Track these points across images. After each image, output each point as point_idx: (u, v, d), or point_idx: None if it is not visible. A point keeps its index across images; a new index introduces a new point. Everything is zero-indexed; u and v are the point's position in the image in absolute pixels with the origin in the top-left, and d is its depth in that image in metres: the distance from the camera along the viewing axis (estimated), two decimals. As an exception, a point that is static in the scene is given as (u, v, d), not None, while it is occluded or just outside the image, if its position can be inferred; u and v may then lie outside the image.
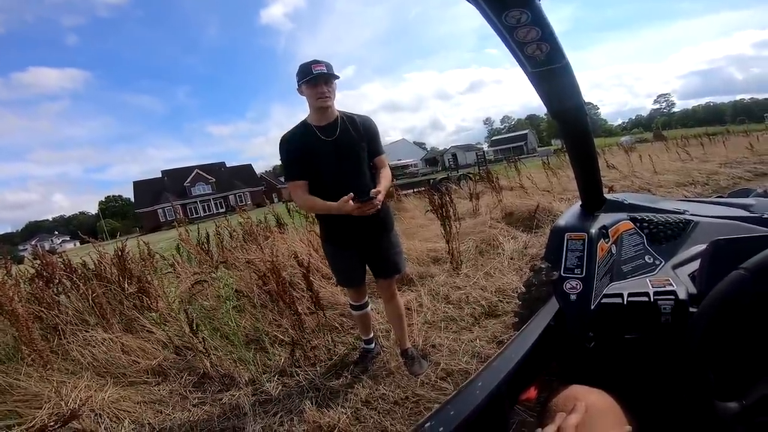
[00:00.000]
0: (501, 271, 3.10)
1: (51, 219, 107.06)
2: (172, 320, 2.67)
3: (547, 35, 0.54)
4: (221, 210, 42.13)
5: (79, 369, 2.27)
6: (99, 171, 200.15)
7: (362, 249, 1.85)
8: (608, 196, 1.06)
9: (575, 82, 0.67)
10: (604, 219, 0.94)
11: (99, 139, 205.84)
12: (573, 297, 0.80)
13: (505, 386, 0.69)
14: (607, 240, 0.88)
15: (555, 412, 0.60)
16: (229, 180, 50.98)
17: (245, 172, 55.56)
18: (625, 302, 0.77)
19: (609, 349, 0.79)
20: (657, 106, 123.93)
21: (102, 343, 2.43)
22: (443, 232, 3.24)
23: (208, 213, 43.70)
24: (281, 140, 1.75)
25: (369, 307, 2.11)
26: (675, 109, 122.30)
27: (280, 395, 1.99)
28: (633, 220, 0.97)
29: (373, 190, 1.61)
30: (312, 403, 1.85)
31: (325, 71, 1.62)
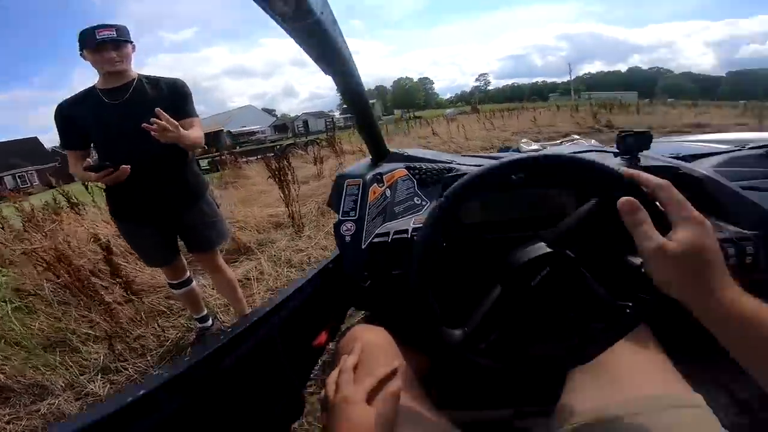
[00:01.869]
0: (342, 229, 3.25)
1: None
2: None
3: None
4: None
5: None
6: None
7: (163, 223, 1.63)
8: (394, 149, 1.17)
9: (336, 41, 0.63)
10: (383, 167, 1.03)
11: None
12: (348, 238, 0.84)
13: (277, 329, 0.71)
14: (381, 185, 0.96)
15: (340, 356, 0.63)
16: (4, 158, 38.30)
17: (29, 147, 42.48)
18: (390, 240, 0.83)
19: (380, 286, 0.84)
20: (477, 83, 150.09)
21: None
22: (282, 195, 3.18)
23: (-24, 201, 32.35)
24: (56, 108, 1.50)
25: (193, 284, 1.92)
26: (490, 87, 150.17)
27: (111, 392, 1.75)
28: (408, 168, 1.09)
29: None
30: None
31: (115, 35, 1.42)
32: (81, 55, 1.47)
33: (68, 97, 1.52)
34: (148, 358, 1.96)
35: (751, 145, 1.18)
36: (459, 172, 1.08)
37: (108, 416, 0.45)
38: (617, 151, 1.05)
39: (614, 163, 0.99)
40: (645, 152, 1.15)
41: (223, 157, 7.98)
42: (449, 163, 1.17)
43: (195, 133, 1.57)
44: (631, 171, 0.46)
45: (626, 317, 0.54)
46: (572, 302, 0.56)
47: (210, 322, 2.06)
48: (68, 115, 1.48)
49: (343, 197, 0.89)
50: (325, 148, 6.88)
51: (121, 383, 1.81)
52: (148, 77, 1.56)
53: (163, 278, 2.49)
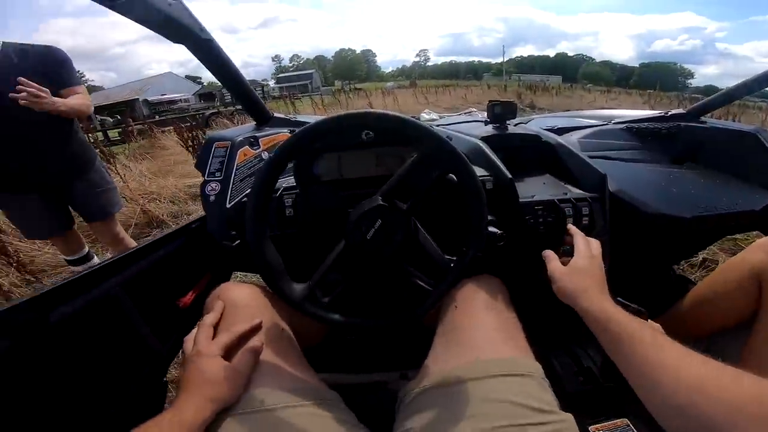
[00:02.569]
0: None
1: None
2: None
3: None
4: None
5: None
6: None
7: (49, 193, 1.54)
8: (279, 115, 1.17)
9: (167, 11, 0.59)
10: (263, 131, 1.02)
11: None
12: (212, 198, 0.83)
13: (121, 286, 0.69)
14: (256, 147, 0.96)
15: (206, 313, 0.63)
16: None
17: None
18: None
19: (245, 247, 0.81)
20: (417, 59, 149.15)
21: None
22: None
23: None
24: None
25: (95, 259, 1.81)
26: (430, 63, 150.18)
27: None
28: (292, 132, 1.09)
29: None
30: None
31: None
32: None
33: None
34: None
35: (615, 120, 1.36)
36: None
37: None
38: (488, 120, 1.16)
39: (485, 129, 1.09)
40: (522, 123, 1.26)
41: (131, 128, 7.29)
42: None
43: (75, 100, 1.46)
44: (570, 227, 0.70)
45: (450, 271, 0.59)
46: (406, 255, 0.60)
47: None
48: None
49: (209, 158, 0.88)
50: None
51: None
52: (16, 46, 1.42)
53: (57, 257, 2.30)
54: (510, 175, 0.79)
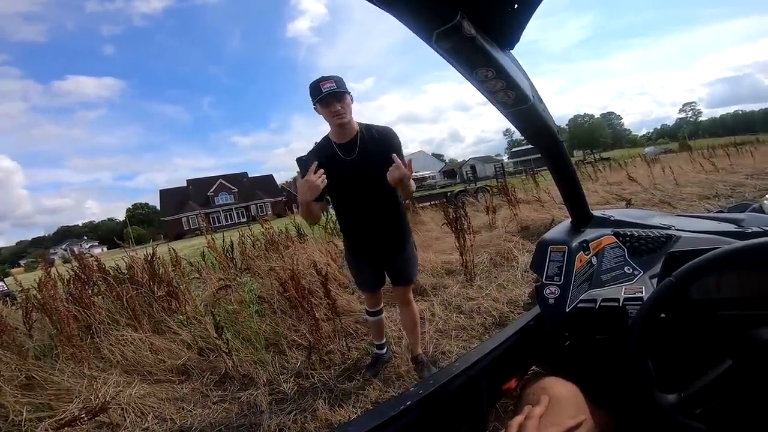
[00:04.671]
0: (514, 283, 3.14)
1: (81, 224, 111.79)
2: (197, 323, 2.82)
3: (511, 85, 0.66)
4: (243, 219, 43.17)
5: (109, 366, 2.44)
6: (128, 179, 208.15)
7: (380, 260, 1.94)
8: (596, 212, 1.13)
9: (545, 117, 0.78)
10: (588, 234, 1.03)
11: (129, 147, 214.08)
12: (551, 301, 0.89)
13: (482, 372, 0.79)
14: (587, 252, 0.97)
15: (525, 402, 0.68)
16: (251, 190, 52.26)
17: (267, 182, 56.86)
18: (597, 306, 0.86)
19: (582, 347, 0.88)
20: (683, 115, 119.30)
21: (132, 343, 2.60)
22: (458, 244, 3.31)
23: (230, 222, 44.80)
24: (302, 157, 1.74)
25: (383, 315, 2.20)
26: (702, 118, 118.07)
27: (296, 395, 2.10)
28: (616, 234, 1.05)
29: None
30: (325, 403, 1.95)
31: (336, 88, 1.57)
32: (314, 108, 1.66)
33: (313, 147, 1.78)
34: (332, 371, 2.29)
35: None
36: (682, 245, 0.97)
37: None
38: None
39: None
40: None
41: (405, 202, 8.72)
42: (666, 228, 1.07)
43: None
44: None
45: None
46: None
47: (385, 350, 2.29)
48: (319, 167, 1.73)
49: (546, 262, 0.95)
50: (496, 196, 6.80)
51: (306, 388, 2.15)
52: (365, 128, 1.74)
53: (356, 305, 2.92)
54: None
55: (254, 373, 2.32)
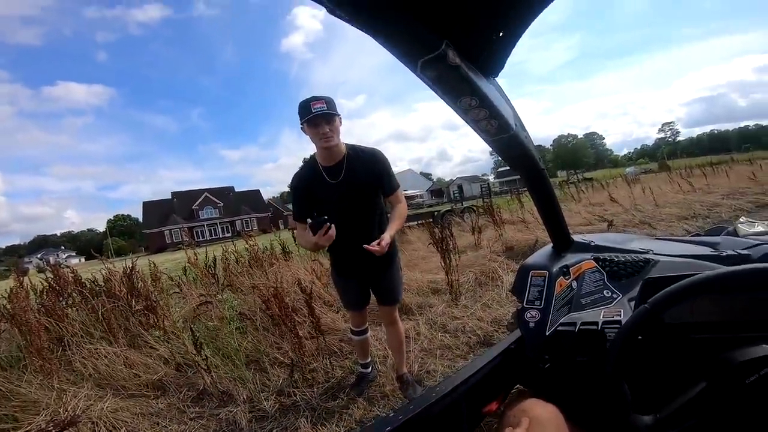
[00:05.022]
0: (499, 302, 3.16)
1: (59, 234, 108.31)
2: (175, 338, 2.74)
3: (494, 114, 0.68)
4: (227, 234, 42.46)
5: (80, 379, 2.34)
6: (111, 189, 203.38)
7: (365, 279, 1.93)
8: (577, 237, 1.17)
9: (527, 145, 0.81)
10: (569, 259, 1.06)
11: (114, 156, 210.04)
12: (532, 324, 0.92)
13: (463, 395, 0.80)
14: (567, 277, 1.00)
15: (506, 424, 0.69)
16: (237, 205, 51.67)
17: (253, 197, 56.36)
18: (576, 330, 0.89)
19: (562, 370, 0.90)
20: (662, 135, 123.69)
21: (105, 356, 2.50)
22: (443, 264, 3.33)
23: (214, 237, 44.02)
24: (292, 178, 1.82)
25: (368, 333, 2.18)
26: (680, 138, 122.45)
27: (277, 413, 2.04)
28: (596, 259, 1.08)
29: (373, 244, 1.60)
30: (307, 421, 1.90)
31: (326, 109, 1.56)
32: (301, 128, 1.64)
33: (300, 169, 1.81)
34: (314, 389, 2.24)
35: None
36: (659, 270, 1.01)
37: None
38: None
39: None
40: None
41: None
42: (644, 252, 1.11)
43: (400, 211, 1.80)
44: None
45: None
46: None
47: (370, 369, 2.25)
48: (306, 192, 1.75)
49: (527, 286, 0.98)
50: (482, 216, 6.89)
51: (288, 406, 2.10)
52: (353, 150, 1.75)
53: (341, 324, 2.88)
54: None
55: (234, 390, 2.25)
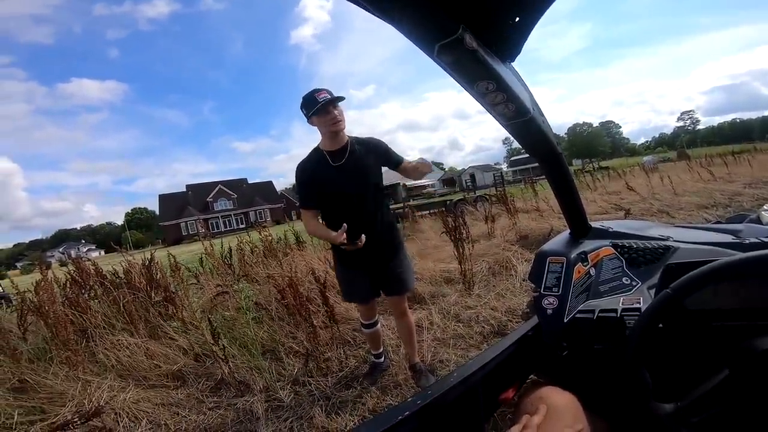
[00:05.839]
0: (513, 292, 3.14)
1: (79, 228, 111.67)
2: (193, 329, 2.80)
3: (511, 97, 0.67)
4: (242, 226, 43.09)
5: (103, 371, 2.42)
6: (127, 183, 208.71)
7: (371, 270, 1.91)
8: (595, 224, 1.14)
9: (544, 129, 0.80)
10: (587, 245, 1.04)
11: (129, 151, 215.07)
12: (549, 311, 0.90)
13: (480, 382, 0.80)
14: (585, 264, 0.98)
15: (523, 412, 0.69)
16: (251, 196, 52.29)
17: (266, 189, 56.92)
18: (595, 317, 0.87)
19: (580, 357, 0.89)
20: (681, 123, 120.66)
21: (127, 347, 2.58)
22: (456, 253, 3.31)
23: (228, 228, 44.75)
24: (296, 168, 1.83)
25: (379, 325, 2.19)
26: (700, 127, 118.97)
27: (292, 402, 2.08)
28: (614, 246, 1.06)
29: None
30: (322, 411, 1.93)
31: (331, 96, 1.65)
32: (309, 121, 1.71)
33: (303, 158, 1.83)
34: (329, 378, 2.27)
35: None
36: (680, 257, 0.98)
37: None
38: None
39: None
40: None
41: (405, 210, 8.59)
42: (664, 239, 1.08)
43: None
44: None
45: None
46: None
47: (383, 359, 2.27)
48: (310, 178, 1.78)
49: (545, 273, 0.96)
50: (495, 204, 6.80)
51: (303, 395, 2.13)
52: (355, 139, 1.83)
53: (354, 313, 2.90)
54: None
55: (250, 380, 2.29)
